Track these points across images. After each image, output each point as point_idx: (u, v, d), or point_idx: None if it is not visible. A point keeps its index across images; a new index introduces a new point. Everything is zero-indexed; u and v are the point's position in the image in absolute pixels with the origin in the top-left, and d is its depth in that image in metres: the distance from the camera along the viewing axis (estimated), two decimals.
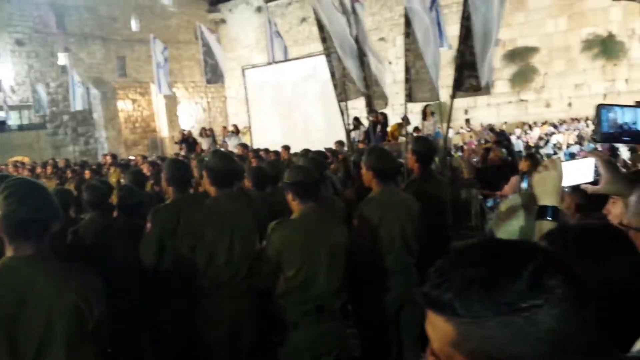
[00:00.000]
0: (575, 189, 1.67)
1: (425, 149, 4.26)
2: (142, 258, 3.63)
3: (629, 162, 9.47)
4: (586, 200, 2.19)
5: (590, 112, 19.51)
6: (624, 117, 1.62)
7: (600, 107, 1.49)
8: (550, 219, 1.59)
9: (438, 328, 0.79)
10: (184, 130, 19.43)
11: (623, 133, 1.61)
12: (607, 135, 1.44)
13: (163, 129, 27.37)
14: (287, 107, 15.26)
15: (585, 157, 1.69)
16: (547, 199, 1.60)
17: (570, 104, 20.90)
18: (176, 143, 17.69)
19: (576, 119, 19.58)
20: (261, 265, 3.25)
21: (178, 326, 3.58)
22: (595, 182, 1.67)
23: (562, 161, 1.67)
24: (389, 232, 3.61)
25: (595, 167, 1.65)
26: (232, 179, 3.60)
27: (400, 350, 3.85)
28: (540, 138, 18.13)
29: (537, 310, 0.72)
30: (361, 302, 3.81)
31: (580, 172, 1.67)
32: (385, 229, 3.60)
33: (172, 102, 27.35)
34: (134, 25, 27.80)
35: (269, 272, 3.19)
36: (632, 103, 1.66)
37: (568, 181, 1.65)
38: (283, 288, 3.16)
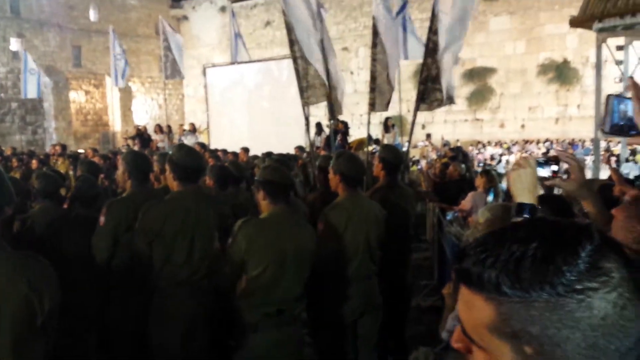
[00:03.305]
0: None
1: (393, 158, 4.23)
2: (95, 252, 3.47)
3: None
4: (552, 211, 2.21)
5: (542, 135, 20.16)
6: (632, 110, 1.56)
7: (611, 98, 1.39)
8: (528, 216, 1.58)
9: (475, 308, 0.72)
10: (138, 125, 18.94)
11: (632, 126, 1.55)
12: (616, 126, 1.33)
13: (116, 124, 26.69)
14: (246, 109, 15.11)
15: (558, 156, 1.68)
16: (524, 196, 1.59)
17: (523, 126, 21.51)
18: (128, 138, 17.16)
19: (528, 141, 20.15)
20: (223, 264, 3.13)
21: (129, 325, 3.42)
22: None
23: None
24: (354, 238, 3.55)
25: (558, 167, 1.66)
26: (198, 175, 3.48)
27: (356, 359, 3.80)
28: (492, 158, 18.57)
29: (593, 294, 0.66)
30: (321, 309, 3.73)
31: (547, 171, 1.67)
32: (351, 235, 3.54)
33: (127, 96, 26.73)
34: (93, 15, 27.08)
35: (231, 271, 3.08)
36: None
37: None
38: (244, 289, 3.06)
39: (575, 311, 0.66)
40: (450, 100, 6.30)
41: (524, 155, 1.64)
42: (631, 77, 1.30)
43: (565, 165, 1.71)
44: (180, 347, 3.26)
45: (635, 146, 14.33)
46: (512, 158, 18.03)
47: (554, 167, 1.65)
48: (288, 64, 7.57)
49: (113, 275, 3.53)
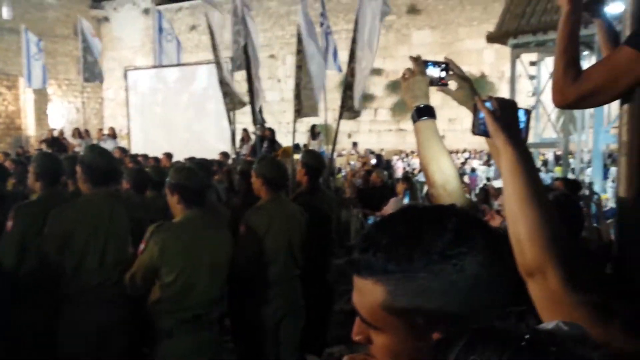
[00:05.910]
0: None
1: (315, 163, 4.27)
2: (2, 258, 3.27)
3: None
4: None
5: (461, 146, 20.93)
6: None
7: (478, 102, 1.40)
8: (426, 117, 1.56)
9: (367, 293, 0.78)
10: (53, 129, 18.09)
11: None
12: (483, 128, 1.33)
13: (30, 127, 25.38)
14: (170, 114, 14.75)
15: (448, 62, 1.64)
16: (419, 101, 1.57)
17: (443, 137, 22.15)
18: (42, 142, 16.35)
19: (449, 152, 20.85)
20: (136, 270, 3.02)
21: (38, 335, 3.23)
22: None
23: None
24: (275, 241, 3.54)
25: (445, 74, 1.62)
26: (110, 178, 3.34)
27: None
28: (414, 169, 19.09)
29: (464, 257, 0.75)
30: (241, 314, 3.69)
31: (437, 71, 1.63)
32: (272, 238, 3.53)
33: (42, 99, 25.47)
34: (6, 12, 25.62)
35: (144, 277, 2.97)
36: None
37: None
38: (158, 295, 2.96)
39: (452, 275, 0.74)
40: (356, 112, 6.47)
41: (413, 59, 1.56)
42: (489, 97, 1.29)
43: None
44: (92, 356, 3.12)
45: (545, 156, 15.16)
46: None
47: (443, 74, 1.62)
48: (212, 69, 7.48)
49: (21, 283, 3.33)
